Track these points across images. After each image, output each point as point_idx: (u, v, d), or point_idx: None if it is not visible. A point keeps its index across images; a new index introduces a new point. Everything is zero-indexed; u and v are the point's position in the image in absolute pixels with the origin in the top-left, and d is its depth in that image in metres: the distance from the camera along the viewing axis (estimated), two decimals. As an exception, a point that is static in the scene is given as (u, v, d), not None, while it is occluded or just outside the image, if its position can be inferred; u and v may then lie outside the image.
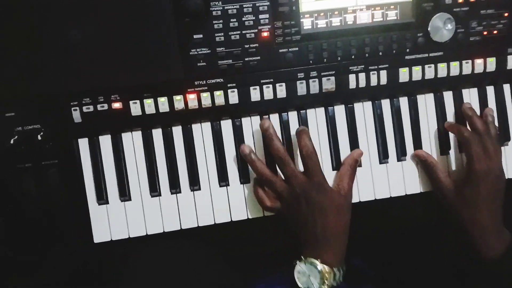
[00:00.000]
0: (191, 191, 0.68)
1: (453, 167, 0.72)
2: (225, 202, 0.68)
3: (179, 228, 0.68)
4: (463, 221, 0.66)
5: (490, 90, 0.73)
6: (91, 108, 0.64)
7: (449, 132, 0.71)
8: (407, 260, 0.84)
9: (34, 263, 0.77)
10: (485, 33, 0.69)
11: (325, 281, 0.60)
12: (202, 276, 0.70)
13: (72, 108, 0.64)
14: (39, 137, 0.64)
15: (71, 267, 0.78)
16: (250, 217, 0.69)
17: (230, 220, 0.68)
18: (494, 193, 0.66)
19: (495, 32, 0.70)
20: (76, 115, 0.64)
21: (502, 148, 0.73)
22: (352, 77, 0.67)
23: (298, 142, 0.65)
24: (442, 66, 0.69)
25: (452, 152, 0.72)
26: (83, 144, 0.66)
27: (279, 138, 0.65)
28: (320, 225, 0.62)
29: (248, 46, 0.65)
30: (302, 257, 0.62)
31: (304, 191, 0.63)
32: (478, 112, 0.72)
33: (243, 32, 0.64)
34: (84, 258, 0.72)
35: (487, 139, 0.67)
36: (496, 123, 0.71)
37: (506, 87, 0.74)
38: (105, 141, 0.66)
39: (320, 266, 0.60)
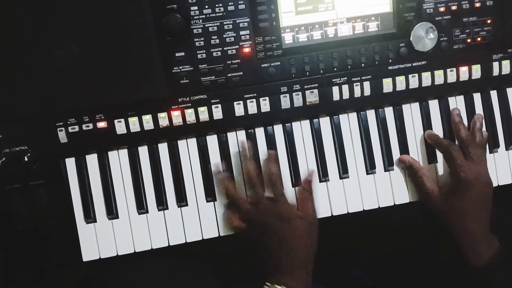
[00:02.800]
0: (178, 207, 0.68)
1: (442, 176, 0.71)
2: (212, 218, 0.69)
3: (167, 245, 0.68)
4: (451, 229, 0.66)
5: (477, 97, 0.73)
6: (77, 128, 0.64)
7: (435, 141, 0.71)
8: (406, 270, 0.84)
9: (32, 281, 0.78)
10: (468, 40, 0.69)
11: None
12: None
13: (58, 129, 0.64)
14: (26, 158, 0.64)
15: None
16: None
17: (218, 235, 0.69)
18: (481, 200, 0.65)
19: (479, 39, 0.69)
20: (62, 136, 0.64)
21: (492, 155, 0.73)
22: (335, 89, 0.68)
23: (263, 166, 0.66)
24: (426, 75, 0.69)
25: (441, 159, 0.72)
26: (70, 163, 0.67)
27: (253, 161, 0.66)
28: (284, 253, 0.62)
29: (230, 62, 0.65)
30: (267, 283, 0.61)
31: (268, 217, 0.63)
32: (465, 120, 0.71)
33: (225, 48, 0.65)
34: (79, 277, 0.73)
35: (471, 147, 0.66)
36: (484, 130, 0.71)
37: (494, 93, 0.73)
38: (92, 160, 0.67)
39: None
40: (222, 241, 0.70)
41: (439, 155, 0.71)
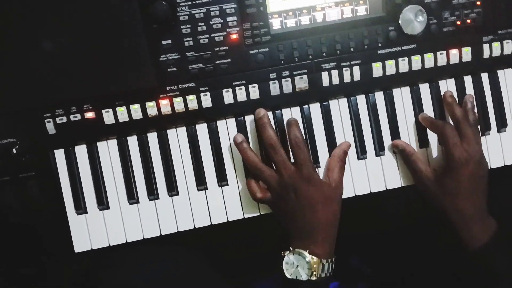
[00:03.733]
0: (169, 196, 0.68)
1: (435, 159, 0.71)
2: (204, 206, 0.68)
3: (159, 234, 0.68)
4: (446, 211, 0.65)
5: (468, 80, 0.72)
6: (64, 119, 0.64)
7: (426, 125, 0.71)
8: (403, 256, 0.84)
9: (28, 275, 0.78)
10: (458, 23, 0.68)
11: (314, 272, 0.60)
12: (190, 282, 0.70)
13: (46, 120, 0.64)
14: (15, 151, 0.64)
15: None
16: (229, 219, 0.69)
17: (210, 223, 0.68)
18: (476, 180, 0.65)
19: (468, 21, 0.69)
20: (50, 127, 0.64)
21: (483, 137, 0.72)
22: (325, 75, 0.67)
23: (287, 133, 0.64)
24: (416, 59, 0.68)
25: (432, 143, 0.71)
26: (59, 155, 0.66)
27: (273, 127, 0.65)
28: (309, 217, 0.62)
29: (217, 49, 0.64)
30: (290, 248, 0.62)
31: (294, 181, 0.62)
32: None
33: (212, 35, 0.64)
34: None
35: (465, 126, 0.66)
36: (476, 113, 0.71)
37: (485, 76, 0.73)
38: (81, 151, 0.67)
39: (308, 257, 0.60)
40: (216, 232, 0.70)
41: (431, 139, 0.71)
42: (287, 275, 0.61)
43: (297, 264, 0.61)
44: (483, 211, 0.65)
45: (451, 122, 0.68)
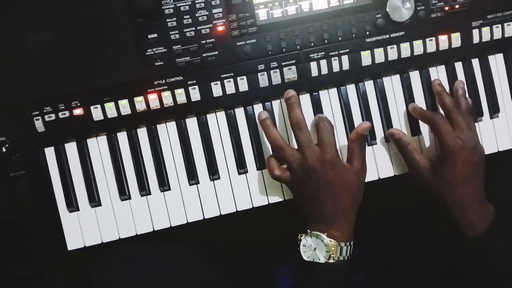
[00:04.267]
0: (161, 191, 0.68)
1: (429, 148, 0.71)
2: (196, 200, 0.68)
3: (152, 230, 0.67)
4: (444, 200, 0.64)
5: (459, 66, 0.72)
6: (53, 116, 0.64)
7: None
8: (402, 246, 0.84)
9: (24, 275, 0.78)
10: (446, 8, 0.68)
11: (332, 255, 0.60)
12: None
13: (34, 118, 0.64)
14: (4, 149, 0.64)
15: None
16: (222, 213, 0.68)
17: (202, 218, 0.68)
18: (471, 167, 0.64)
19: (457, 6, 0.68)
20: (39, 125, 0.64)
21: (476, 124, 0.72)
22: (313, 65, 0.67)
23: (316, 119, 0.65)
24: (405, 46, 0.68)
25: (424, 132, 0.71)
26: (49, 153, 0.66)
27: (301, 109, 0.64)
28: (330, 201, 0.61)
29: (204, 41, 0.64)
30: (308, 230, 0.61)
31: (316, 164, 0.61)
32: (448, 90, 0.70)
33: (198, 28, 0.64)
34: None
35: (456, 114, 0.65)
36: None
37: (475, 62, 0.72)
38: (71, 149, 0.67)
39: (326, 239, 0.60)
40: (214, 229, 0.70)
41: (423, 127, 0.70)
42: (305, 258, 0.60)
43: (314, 246, 0.60)
44: (480, 198, 0.64)
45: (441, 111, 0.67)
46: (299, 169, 0.62)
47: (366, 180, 0.70)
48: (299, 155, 0.62)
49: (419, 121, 0.70)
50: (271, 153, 0.68)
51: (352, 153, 0.65)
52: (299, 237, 0.62)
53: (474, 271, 0.65)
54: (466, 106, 0.67)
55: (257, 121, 0.66)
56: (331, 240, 0.60)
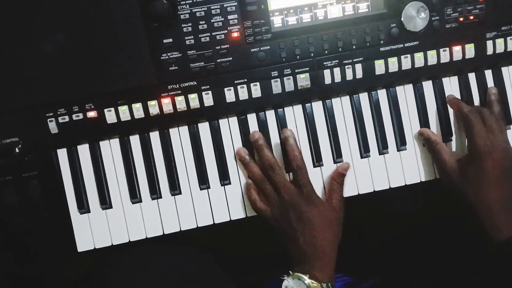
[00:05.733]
0: (172, 195, 0.68)
1: (456, 151, 0.71)
2: (206, 205, 0.68)
3: (162, 233, 0.67)
4: (471, 202, 0.63)
5: (472, 77, 0.72)
6: (67, 118, 0.64)
7: (429, 121, 0.70)
8: (414, 252, 0.83)
9: (31, 275, 0.78)
10: (461, 19, 0.68)
11: None
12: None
13: (48, 120, 0.64)
14: (17, 150, 0.64)
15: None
16: (232, 218, 0.68)
17: (212, 223, 0.68)
18: (501, 170, 0.62)
19: (471, 17, 0.68)
20: (53, 126, 0.64)
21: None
22: (327, 73, 0.67)
23: (287, 152, 0.65)
24: (418, 56, 0.68)
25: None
26: (62, 154, 0.67)
27: (269, 148, 0.66)
28: (309, 239, 0.62)
29: (219, 47, 0.64)
30: (290, 271, 0.61)
31: (294, 202, 0.62)
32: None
33: (213, 33, 0.64)
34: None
35: (489, 116, 0.65)
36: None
37: (488, 73, 0.72)
38: (83, 150, 0.67)
39: (307, 281, 0.60)
40: (223, 233, 0.70)
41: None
42: None
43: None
44: (509, 202, 0.62)
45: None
46: (277, 206, 0.63)
47: (376, 189, 0.70)
48: (279, 194, 0.63)
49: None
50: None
51: (331, 190, 0.66)
52: (281, 278, 0.61)
53: (497, 277, 0.64)
54: (499, 110, 0.67)
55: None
56: (313, 282, 0.59)
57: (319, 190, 0.68)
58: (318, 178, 0.69)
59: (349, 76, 0.67)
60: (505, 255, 0.61)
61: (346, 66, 0.67)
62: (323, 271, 0.61)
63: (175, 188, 0.67)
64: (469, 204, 0.63)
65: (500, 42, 0.69)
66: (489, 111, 0.66)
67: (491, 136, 0.63)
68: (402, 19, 0.66)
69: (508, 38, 0.69)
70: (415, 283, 0.78)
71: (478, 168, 0.63)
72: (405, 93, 0.70)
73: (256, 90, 0.66)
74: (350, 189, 0.69)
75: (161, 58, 0.64)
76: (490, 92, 0.69)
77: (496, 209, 0.61)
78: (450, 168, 0.65)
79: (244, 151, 0.67)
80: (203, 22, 0.63)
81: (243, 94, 0.66)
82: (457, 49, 0.69)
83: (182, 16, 0.63)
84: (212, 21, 0.63)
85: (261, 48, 0.65)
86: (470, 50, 0.69)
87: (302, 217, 0.62)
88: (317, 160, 0.69)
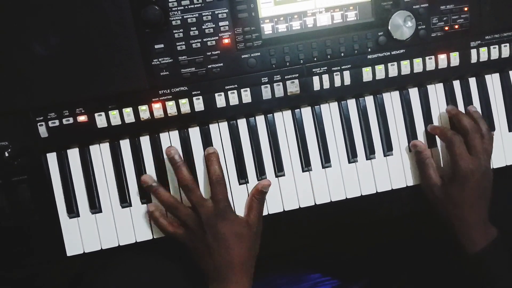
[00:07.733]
0: (162, 200, 0.68)
1: (442, 165, 0.73)
2: (196, 209, 0.68)
3: (151, 238, 0.68)
4: (449, 217, 0.67)
5: (457, 85, 0.74)
6: (57, 122, 0.64)
7: (415, 127, 0.72)
8: (399, 255, 0.85)
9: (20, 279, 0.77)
10: (446, 28, 0.70)
11: None
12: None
13: (38, 123, 0.64)
14: (7, 154, 0.64)
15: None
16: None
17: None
18: (480, 191, 0.67)
19: (456, 26, 0.70)
20: (42, 130, 0.64)
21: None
22: (316, 79, 0.68)
23: (207, 167, 0.65)
24: (405, 64, 0.69)
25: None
26: (52, 158, 0.66)
27: (186, 165, 0.64)
28: (224, 255, 0.62)
29: (210, 53, 0.65)
30: None
31: (209, 218, 0.62)
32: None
33: (204, 40, 0.65)
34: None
35: (475, 138, 0.67)
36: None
37: (472, 81, 0.74)
38: (73, 155, 0.67)
39: None
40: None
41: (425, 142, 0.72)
42: None
43: None
44: (484, 218, 0.67)
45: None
46: (193, 226, 0.63)
47: (364, 193, 0.71)
48: (193, 212, 0.63)
49: (416, 136, 0.72)
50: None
51: (250, 206, 0.67)
52: None
53: (472, 285, 0.67)
54: (486, 128, 0.69)
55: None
56: None
57: (308, 194, 0.70)
58: (307, 183, 0.70)
59: (337, 82, 0.68)
60: (477, 267, 0.65)
61: (334, 73, 0.68)
62: (238, 285, 0.62)
63: (165, 192, 0.68)
64: (447, 218, 0.67)
65: (483, 51, 0.71)
66: (475, 133, 0.67)
67: (474, 158, 0.66)
68: (389, 27, 0.68)
69: (491, 47, 0.71)
70: (402, 285, 0.80)
71: (460, 188, 0.66)
72: (392, 100, 0.72)
73: (247, 96, 0.67)
74: (337, 194, 0.71)
75: (153, 63, 0.64)
76: (471, 111, 0.71)
77: (472, 225, 0.66)
78: (433, 184, 0.69)
79: (149, 178, 0.64)
80: (195, 28, 0.64)
81: (233, 99, 0.67)
82: (442, 57, 0.70)
83: (173, 22, 0.63)
84: (203, 27, 0.64)
85: (252, 55, 0.66)
86: (455, 58, 0.71)
87: (217, 232, 0.62)
88: (306, 165, 0.70)
